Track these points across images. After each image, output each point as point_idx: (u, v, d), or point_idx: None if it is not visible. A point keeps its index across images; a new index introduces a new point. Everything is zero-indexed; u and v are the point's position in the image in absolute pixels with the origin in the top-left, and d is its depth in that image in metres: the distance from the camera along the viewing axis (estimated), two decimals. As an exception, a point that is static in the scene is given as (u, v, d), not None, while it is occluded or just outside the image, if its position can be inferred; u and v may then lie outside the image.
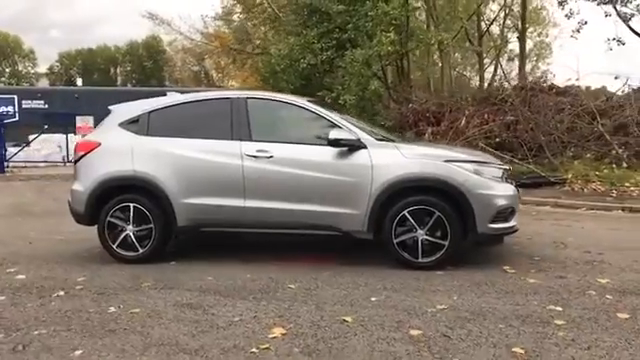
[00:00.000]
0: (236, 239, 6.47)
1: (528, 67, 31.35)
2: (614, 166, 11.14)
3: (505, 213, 5.26)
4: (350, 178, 5.26)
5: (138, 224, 5.60)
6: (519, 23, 26.89)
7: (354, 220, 5.27)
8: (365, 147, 5.29)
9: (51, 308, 4.25)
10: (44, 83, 63.03)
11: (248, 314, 4.03)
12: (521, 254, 5.80)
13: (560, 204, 9.56)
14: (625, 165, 11.18)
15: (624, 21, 16.22)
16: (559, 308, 4.05)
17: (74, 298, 4.51)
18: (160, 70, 66.55)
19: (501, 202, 5.20)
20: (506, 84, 15.94)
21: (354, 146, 5.29)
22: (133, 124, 5.83)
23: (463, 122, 12.84)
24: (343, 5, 16.48)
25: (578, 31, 17.67)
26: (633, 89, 13.64)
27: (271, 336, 3.60)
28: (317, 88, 16.96)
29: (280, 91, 14.88)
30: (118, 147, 5.73)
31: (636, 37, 16.29)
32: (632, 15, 16.09)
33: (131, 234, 5.61)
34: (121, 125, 5.86)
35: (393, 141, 5.75)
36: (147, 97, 6.32)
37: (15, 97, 36.50)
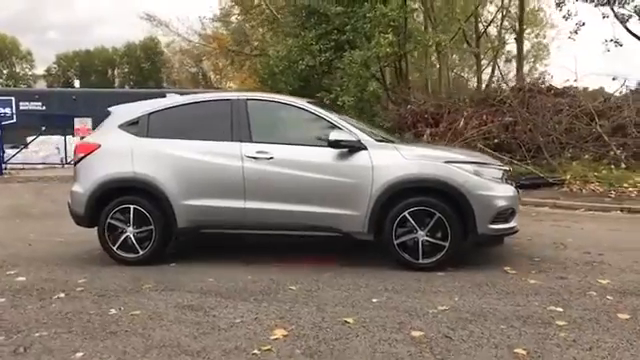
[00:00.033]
0: (236, 240, 6.46)
1: (525, 68, 31.48)
2: (612, 167, 11.15)
3: (505, 214, 5.27)
4: (350, 179, 5.26)
5: (138, 226, 5.59)
6: (517, 24, 26.99)
7: (354, 221, 5.27)
8: (365, 148, 5.30)
9: (52, 310, 4.25)
10: (42, 85, 62.95)
11: (249, 316, 4.03)
12: (521, 255, 5.81)
13: (559, 205, 9.58)
14: (623, 166, 11.18)
15: (621, 22, 16.26)
16: (560, 309, 4.05)
17: (75, 300, 4.50)
18: (158, 72, 66.56)
19: (501, 203, 5.20)
20: (504, 85, 15.91)
21: (354, 147, 5.29)
22: (133, 126, 5.82)
23: (462, 123, 12.85)
24: (341, 7, 16.51)
25: (576, 32, 17.72)
26: (631, 90, 13.68)
27: (273, 338, 3.60)
28: (315, 89, 16.98)
29: (278, 92, 14.87)
30: (118, 149, 5.72)
31: (633, 38, 16.32)
32: (629, 16, 16.14)
33: (131, 236, 5.60)
34: (121, 127, 5.86)
35: (393, 142, 5.76)
36: (145, 99, 6.30)
37: (12, 99, 36.43)
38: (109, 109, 6.12)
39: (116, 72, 71.94)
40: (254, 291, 4.64)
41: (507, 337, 3.54)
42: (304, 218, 5.36)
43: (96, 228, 5.74)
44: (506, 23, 33.18)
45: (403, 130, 13.60)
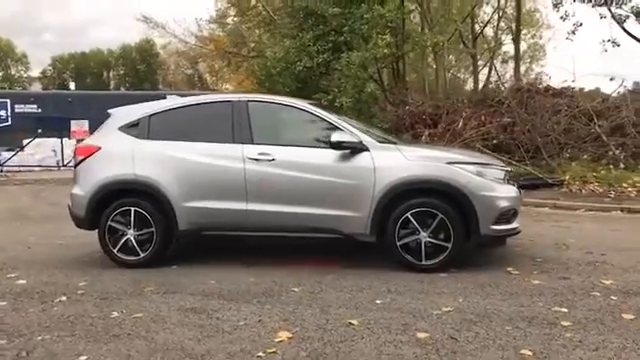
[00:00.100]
0: (236, 242, 6.43)
1: (522, 69, 31.44)
2: (611, 167, 11.15)
3: (508, 215, 5.26)
4: (352, 181, 5.25)
5: (139, 228, 5.56)
6: (513, 25, 27.04)
7: (357, 223, 5.25)
8: (367, 149, 5.28)
9: (53, 313, 4.22)
10: (37, 87, 62.77)
11: (253, 318, 4.01)
12: (523, 256, 5.80)
13: (559, 205, 9.59)
14: (622, 166, 11.20)
15: (619, 23, 16.29)
16: (564, 309, 4.04)
17: (76, 303, 4.47)
18: (153, 73, 66.54)
19: (504, 204, 5.20)
20: (504, 85, 15.94)
21: (356, 149, 5.28)
22: (133, 128, 5.79)
23: (460, 124, 12.85)
24: (339, 8, 16.49)
25: (574, 33, 17.73)
26: (629, 90, 13.70)
27: (277, 340, 3.57)
28: (313, 91, 16.97)
29: (276, 94, 14.88)
30: (118, 151, 5.69)
31: (630, 39, 16.36)
32: (627, 17, 16.17)
33: (132, 238, 5.58)
34: (121, 129, 5.82)
35: (395, 143, 5.74)
36: (142, 101, 6.29)
37: (8, 101, 36.37)
38: (109, 111, 6.09)
39: (111, 74, 71.87)
40: (257, 293, 4.62)
41: (513, 338, 3.52)
42: (306, 220, 5.34)
43: (96, 231, 5.71)
44: (502, 24, 33.26)
45: (401, 131, 13.58)
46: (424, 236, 5.14)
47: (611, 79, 13.49)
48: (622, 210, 9.02)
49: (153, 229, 5.54)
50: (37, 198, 13.30)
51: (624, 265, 5.33)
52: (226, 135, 5.55)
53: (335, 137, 5.25)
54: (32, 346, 3.57)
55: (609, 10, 16.15)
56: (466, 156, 5.69)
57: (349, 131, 5.39)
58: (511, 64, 34.04)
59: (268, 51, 20.30)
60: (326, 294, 4.57)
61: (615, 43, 16.81)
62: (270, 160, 5.38)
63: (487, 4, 32.06)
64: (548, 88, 14.01)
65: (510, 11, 31.62)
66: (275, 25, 23.39)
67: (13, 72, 67.67)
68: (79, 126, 23.28)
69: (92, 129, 21.66)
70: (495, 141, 12.54)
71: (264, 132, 5.63)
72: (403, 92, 17.28)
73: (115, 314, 4.16)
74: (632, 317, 3.86)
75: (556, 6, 17.36)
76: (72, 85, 65.96)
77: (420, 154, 5.48)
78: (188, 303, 4.39)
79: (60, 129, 24.27)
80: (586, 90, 14.97)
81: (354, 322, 3.85)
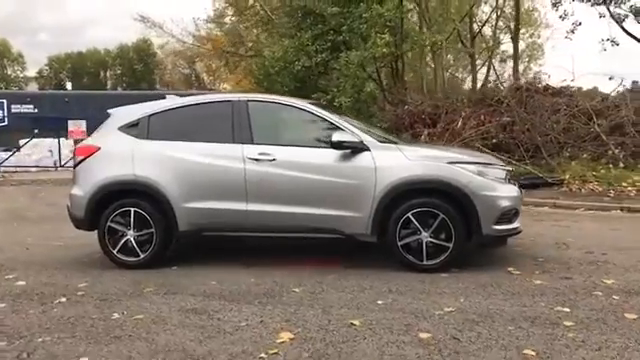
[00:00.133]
0: (236, 243, 6.42)
1: (520, 68, 31.44)
2: (611, 166, 11.16)
3: (509, 214, 5.25)
4: (353, 181, 5.23)
5: (139, 229, 5.54)
6: (511, 24, 27.01)
7: (358, 223, 5.23)
8: (368, 149, 5.26)
9: (53, 315, 4.19)
10: (33, 87, 62.61)
11: (254, 319, 3.99)
12: (525, 255, 5.79)
13: (559, 205, 9.59)
14: (622, 165, 11.21)
15: (617, 22, 16.29)
16: (567, 309, 4.03)
17: (76, 304, 4.45)
18: (151, 73, 66.44)
19: (505, 203, 5.19)
20: (503, 85, 15.93)
21: (357, 148, 5.26)
22: (133, 128, 5.77)
23: (460, 123, 12.84)
24: (337, 7, 16.48)
25: (572, 32, 17.72)
26: (628, 89, 13.70)
27: (279, 341, 3.56)
28: (312, 90, 16.96)
29: (275, 93, 14.86)
30: (118, 151, 5.67)
31: (629, 38, 16.37)
32: (626, 16, 16.17)
33: (132, 239, 5.55)
34: (121, 129, 5.80)
35: (396, 143, 5.72)
36: (140, 100, 6.28)
37: (4, 101, 36.27)
38: (108, 111, 6.06)
39: (108, 74, 71.72)
40: (258, 294, 4.60)
41: (515, 338, 3.51)
42: (306, 220, 5.32)
43: (95, 232, 5.69)
44: (500, 23, 33.24)
45: (400, 131, 13.57)
46: (425, 236, 5.13)
47: (610, 78, 13.51)
48: (622, 209, 9.02)
49: (153, 230, 5.52)
50: (34, 199, 13.25)
51: (625, 264, 5.33)
52: (226, 135, 5.52)
53: (336, 137, 5.24)
54: (33, 348, 3.55)
55: (608, 9, 16.16)
56: (467, 156, 5.68)
57: (350, 131, 5.38)
58: (509, 63, 34.04)
59: (266, 50, 20.29)
60: (327, 294, 4.55)
61: (614, 42, 16.82)
62: (270, 160, 5.36)
63: (485, 3, 32.06)
64: (547, 87, 14.00)
65: (508, 10, 31.62)
66: (273, 25, 23.38)
67: (9, 72, 67.49)
68: (76, 126, 23.21)
69: (89, 129, 21.70)
70: (494, 140, 12.53)
71: (264, 132, 5.61)
72: (402, 92, 17.27)
73: (116, 315, 4.13)
74: (635, 317, 3.85)
75: (555, 5, 17.36)
76: (69, 85, 65.81)
77: (421, 154, 5.47)
78: (189, 304, 4.37)
79: (57, 129, 24.19)
80: (584, 89, 14.98)
81: (356, 323, 3.84)
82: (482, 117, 13.01)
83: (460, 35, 28.77)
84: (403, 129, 13.79)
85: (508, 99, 13.19)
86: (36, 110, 35.57)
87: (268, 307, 4.25)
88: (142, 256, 5.55)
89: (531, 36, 38.03)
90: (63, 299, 4.58)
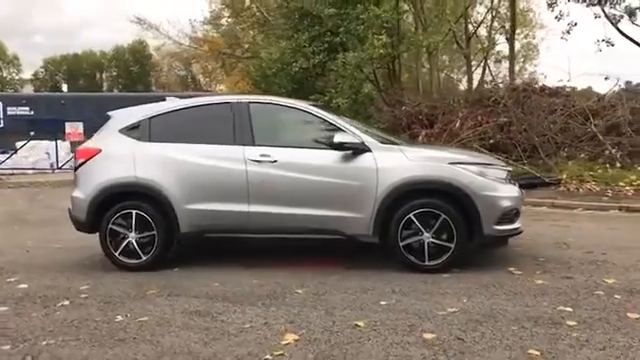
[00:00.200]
0: (237, 244, 6.43)
1: (515, 69, 31.53)
2: (608, 166, 11.20)
3: (510, 215, 5.28)
4: (355, 182, 5.24)
5: (140, 231, 5.54)
6: (507, 25, 27.09)
7: (359, 224, 5.25)
8: (370, 150, 5.28)
9: (57, 318, 4.19)
10: (29, 89, 62.38)
11: (258, 320, 4.00)
12: (525, 255, 5.81)
13: (557, 205, 9.62)
14: (619, 165, 11.25)
15: (612, 23, 16.34)
16: (569, 309, 4.05)
17: (80, 307, 4.44)
18: (146, 75, 66.27)
19: (506, 203, 5.21)
20: (500, 85, 15.96)
21: (358, 149, 5.28)
22: (134, 130, 5.77)
23: (457, 124, 12.87)
24: (334, 9, 16.51)
25: (568, 32, 17.75)
26: (623, 89, 13.74)
27: (284, 342, 3.56)
28: (309, 92, 16.97)
29: (272, 95, 14.85)
30: (119, 153, 5.66)
31: (624, 39, 16.43)
32: (621, 17, 16.22)
33: (133, 241, 5.55)
34: (121, 131, 5.80)
35: (397, 144, 5.74)
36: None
37: (0, 104, 36.07)
38: (109, 113, 6.06)
39: (104, 76, 71.47)
40: (261, 295, 4.61)
41: (519, 338, 3.53)
42: (308, 221, 5.33)
43: (96, 234, 5.68)
44: (496, 24, 33.34)
45: (398, 131, 13.57)
46: (427, 237, 5.14)
47: (606, 78, 13.52)
48: (620, 209, 9.05)
49: (155, 232, 5.51)
50: (33, 201, 13.20)
51: (626, 264, 5.36)
52: (227, 137, 5.53)
53: (337, 138, 5.25)
54: (37, 351, 3.55)
55: (603, 10, 16.20)
56: (468, 156, 5.71)
57: (351, 132, 5.39)
58: (504, 64, 34.22)
59: (263, 52, 20.28)
60: (330, 295, 4.56)
61: (609, 43, 16.87)
62: (272, 162, 5.37)
63: (480, 4, 32.18)
64: (544, 88, 14.04)
65: (503, 11, 31.73)
66: (269, 26, 23.39)
67: (5, 74, 67.19)
68: (74, 128, 23.15)
69: (86, 131, 21.62)
70: (492, 141, 12.56)
71: (265, 133, 5.61)
72: (399, 92, 17.30)
73: (119, 318, 4.13)
74: (637, 316, 3.87)
75: (551, 6, 17.39)
76: (64, 87, 65.61)
77: (422, 155, 5.49)
78: (192, 306, 4.37)
79: (53, 131, 24.06)
80: (578, 89, 15.04)
81: (360, 324, 3.85)
82: (479, 117, 13.04)
83: (455, 36, 28.84)
84: (401, 130, 13.81)
85: (505, 99, 13.22)
86: (32, 112, 35.31)
87: (272, 309, 4.25)
88: (144, 258, 5.55)
89: (526, 37, 38.15)
90: (66, 302, 4.57)
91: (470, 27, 30.67)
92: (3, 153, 24.06)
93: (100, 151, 5.74)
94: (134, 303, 4.50)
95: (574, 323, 3.75)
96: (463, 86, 34.50)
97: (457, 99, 15.31)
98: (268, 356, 3.36)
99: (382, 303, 4.31)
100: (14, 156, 23.73)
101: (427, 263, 5.15)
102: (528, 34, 38.25)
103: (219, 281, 5.02)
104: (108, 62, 69.66)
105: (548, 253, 5.88)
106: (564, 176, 10.90)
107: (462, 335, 3.61)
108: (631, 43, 16.24)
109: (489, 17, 32.51)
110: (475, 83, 29.87)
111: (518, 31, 33.23)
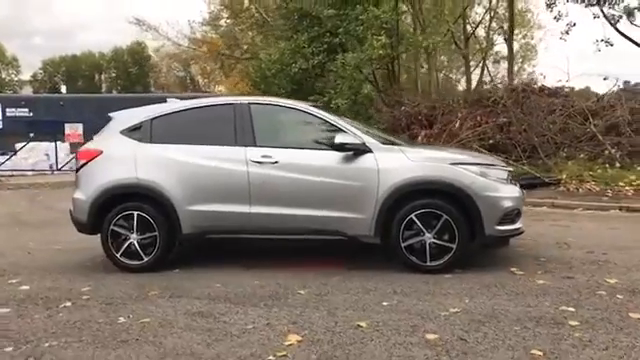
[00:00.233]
0: (237, 245, 6.43)
1: (514, 69, 31.56)
2: (607, 166, 11.21)
3: (512, 215, 5.28)
4: (356, 182, 5.25)
5: (142, 232, 5.54)
6: (505, 26, 27.12)
7: (361, 224, 5.25)
8: (371, 151, 5.28)
9: (59, 319, 4.19)
10: (28, 91, 62.33)
11: (261, 321, 4.00)
12: (527, 255, 5.82)
13: (557, 204, 9.62)
14: (618, 165, 11.26)
15: (611, 23, 16.36)
16: (571, 309, 4.06)
17: (82, 309, 4.44)
18: (145, 76, 66.23)
19: (507, 204, 5.22)
20: (499, 85, 15.98)
21: (360, 150, 5.28)
22: (135, 131, 5.77)
23: (457, 124, 12.88)
24: (333, 9, 16.50)
25: (567, 32, 17.76)
26: (622, 89, 13.76)
27: (287, 343, 3.57)
28: (309, 92, 16.94)
29: (272, 96, 14.84)
30: (120, 155, 5.66)
31: (623, 39, 16.45)
32: (620, 17, 16.24)
33: (135, 242, 5.55)
34: (123, 132, 5.80)
35: (398, 144, 5.74)
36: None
37: (-1, 105, 36.03)
38: (110, 114, 6.06)
39: (103, 77, 71.41)
40: (263, 296, 4.61)
41: (522, 338, 3.54)
42: (310, 222, 5.34)
43: (98, 235, 5.68)
44: (494, 24, 33.40)
45: (397, 132, 13.57)
46: (429, 237, 5.15)
47: (605, 79, 13.55)
48: (620, 209, 9.05)
49: (156, 233, 5.51)
50: (33, 202, 13.19)
51: (627, 264, 5.36)
52: (229, 138, 5.53)
53: (339, 139, 5.26)
54: (40, 353, 3.55)
55: (601, 10, 16.22)
56: (469, 157, 5.72)
57: (352, 133, 5.39)
58: (503, 64, 34.27)
59: (262, 53, 20.27)
60: (332, 296, 4.56)
61: (609, 43, 16.88)
62: (273, 163, 5.37)
63: (479, 5, 32.23)
64: (543, 88, 14.04)
65: (502, 11, 31.77)
66: (268, 27, 23.38)
67: (4, 76, 67.12)
68: (73, 129, 23.14)
69: (86, 132, 21.61)
70: (491, 141, 12.56)
71: (267, 135, 5.61)
72: (398, 93, 17.30)
73: (122, 319, 4.13)
74: (639, 316, 3.87)
75: (549, 6, 17.40)
76: (63, 88, 65.52)
77: (423, 155, 5.50)
78: (194, 307, 4.37)
79: (53, 132, 24.04)
80: (577, 89, 15.06)
81: (362, 324, 3.85)
82: (479, 118, 13.04)
83: (454, 36, 28.87)
84: (400, 130, 13.81)
85: (504, 100, 13.23)
86: (31, 114, 35.30)
87: (274, 309, 4.26)
88: (145, 259, 5.55)
89: (524, 37, 38.20)
90: (68, 303, 4.57)
91: (468, 28, 30.73)
92: (3, 155, 24.03)
93: (101, 152, 5.74)
94: (136, 304, 4.50)
95: (576, 323, 3.76)
96: (462, 86, 34.59)
97: (456, 99, 15.32)
98: (271, 357, 3.37)
99: (384, 304, 4.31)
100: (14, 157, 23.71)
101: (429, 264, 5.15)
102: (526, 35, 38.32)
103: (221, 282, 5.02)
104: (107, 63, 69.59)
105: (549, 253, 5.89)
106: (564, 176, 10.92)
107: (465, 335, 3.61)
108: (630, 43, 16.26)
109: (487, 18, 32.58)
110: (474, 83, 29.94)
111: (516, 32, 33.27)
